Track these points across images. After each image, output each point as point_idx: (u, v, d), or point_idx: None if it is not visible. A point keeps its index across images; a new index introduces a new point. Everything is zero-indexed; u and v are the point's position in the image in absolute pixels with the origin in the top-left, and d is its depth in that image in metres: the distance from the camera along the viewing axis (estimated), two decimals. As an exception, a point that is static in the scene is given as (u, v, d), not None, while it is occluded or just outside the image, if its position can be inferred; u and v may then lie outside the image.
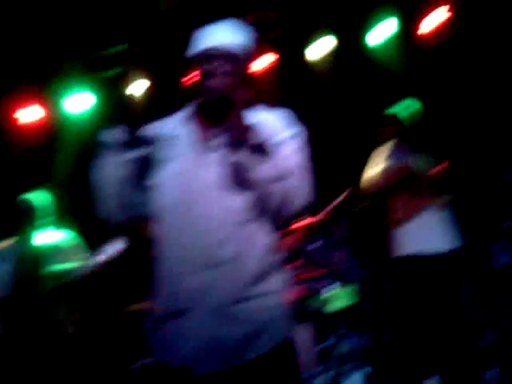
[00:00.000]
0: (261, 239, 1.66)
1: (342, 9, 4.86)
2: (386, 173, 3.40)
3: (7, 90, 4.81)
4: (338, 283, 3.74)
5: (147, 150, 1.63)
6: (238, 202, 1.63)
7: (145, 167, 1.64)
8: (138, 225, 1.73)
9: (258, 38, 5.19)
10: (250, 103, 1.61)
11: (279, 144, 1.62)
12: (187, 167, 1.67)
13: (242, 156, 1.55)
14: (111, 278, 3.49)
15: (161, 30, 4.68)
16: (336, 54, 4.91)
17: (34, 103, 4.85)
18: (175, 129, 1.75)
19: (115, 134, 1.61)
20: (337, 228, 4.14)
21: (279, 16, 4.87)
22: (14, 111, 4.86)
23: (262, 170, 1.55)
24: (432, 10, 4.72)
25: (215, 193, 1.63)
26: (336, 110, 5.03)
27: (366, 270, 3.73)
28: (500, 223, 3.99)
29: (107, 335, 4.08)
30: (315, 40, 4.84)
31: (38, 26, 4.30)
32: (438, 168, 3.45)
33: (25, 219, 3.39)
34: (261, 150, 1.55)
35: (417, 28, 4.80)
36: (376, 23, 4.75)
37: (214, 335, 1.56)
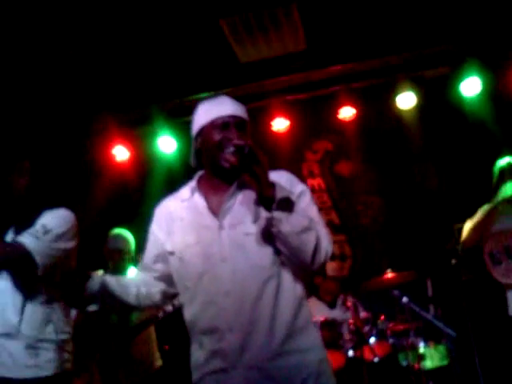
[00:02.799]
0: (292, 293, 1.68)
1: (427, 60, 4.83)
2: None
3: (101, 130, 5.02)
4: (429, 341, 3.56)
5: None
6: (266, 257, 1.66)
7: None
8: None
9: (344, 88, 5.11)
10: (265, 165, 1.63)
11: (297, 198, 1.68)
12: (205, 236, 1.72)
13: (272, 211, 1.59)
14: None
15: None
16: (423, 107, 4.86)
17: (125, 142, 5.06)
18: (185, 202, 1.82)
19: None
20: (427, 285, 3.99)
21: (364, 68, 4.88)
22: (108, 148, 5.06)
23: (292, 221, 1.58)
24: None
25: (240, 252, 1.67)
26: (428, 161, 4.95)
27: (457, 331, 3.53)
28: None
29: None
30: (401, 91, 4.81)
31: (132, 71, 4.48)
32: None
33: (119, 254, 3.51)
34: (287, 203, 1.59)
35: (506, 83, 4.68)
36: (464, 76, 4.67)
37: None
